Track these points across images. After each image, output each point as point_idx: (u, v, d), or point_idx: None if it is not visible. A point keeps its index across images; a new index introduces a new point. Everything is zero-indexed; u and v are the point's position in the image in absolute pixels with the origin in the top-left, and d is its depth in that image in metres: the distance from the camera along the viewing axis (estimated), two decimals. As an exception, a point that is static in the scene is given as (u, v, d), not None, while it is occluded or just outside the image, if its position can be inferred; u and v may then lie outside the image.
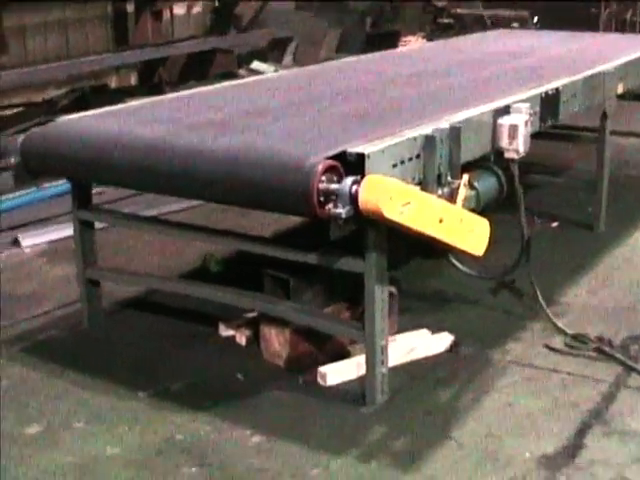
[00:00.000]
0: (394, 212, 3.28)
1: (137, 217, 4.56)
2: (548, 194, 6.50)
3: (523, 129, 4.25)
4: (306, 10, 11.80)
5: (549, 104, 4.82)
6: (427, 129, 3.81)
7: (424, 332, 4.36)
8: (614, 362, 4.12)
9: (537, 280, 4.56)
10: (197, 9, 12.02)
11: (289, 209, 3.54)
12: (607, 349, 4.21)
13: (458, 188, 3.93)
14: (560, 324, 4.45)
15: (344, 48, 11.01)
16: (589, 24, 10.99)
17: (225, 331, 4.48)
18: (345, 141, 3.56)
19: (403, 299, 4.41)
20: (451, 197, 3.90)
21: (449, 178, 3.90)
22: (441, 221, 3.54)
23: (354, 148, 3.48)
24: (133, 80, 11.09)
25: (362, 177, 3.34)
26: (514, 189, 4.42)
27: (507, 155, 4.30)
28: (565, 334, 4.38)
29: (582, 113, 5.49)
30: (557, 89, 4.91)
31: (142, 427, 3.72)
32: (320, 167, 3.31)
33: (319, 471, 3.43)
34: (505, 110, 4.36)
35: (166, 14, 11.51)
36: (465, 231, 3.73)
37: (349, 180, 3.35)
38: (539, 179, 6.40)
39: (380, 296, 3.70)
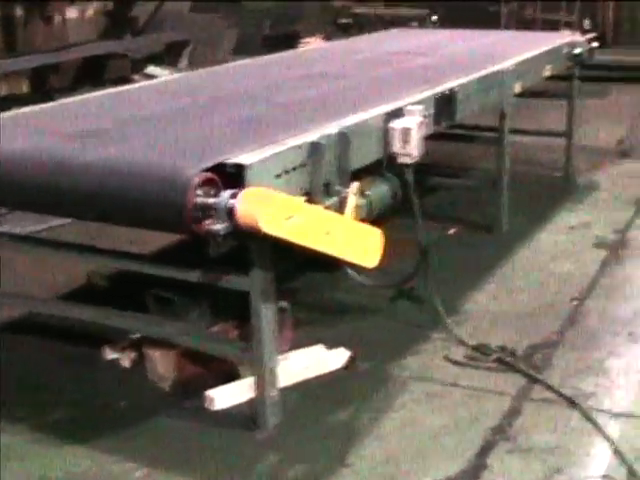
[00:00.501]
0: (274, 226, 3.06)
1: (10, 235, 4.23)
2: (448, 196, 6.37)
3: (416, 132, 4.07)
4: (203, 11, 11.51)
5: (444, 105, 4.66)
6: (314, 135, 3.59)
7: (319, 348, 4.14)
8: (517, 373, 3.94)
9: (437, 287, 4.38)
10: (90, 12, 11.65)
11: (165, 226, 3.28)
12: (509, 359, 4.05)
13: (347, 197, 3.71)
14: (460, 334, 4.27)
15: (242, 50, 10.75)
16: (490, 22, 10.93)
17: (110, 354, 4.20)
18: (225, 151, 3.32)
19: (298, 312, 4.20)
20: (340, 207, 3.68)
21: (338, 187, 3.68)
22: (328, 233, 3.32)
23: (233, 159, 3.23)
24: (25, 87, 10.66)
25: (241, 190, 3.10)
26: (409, 195, 4.22)
27: (400, 160, 4.12)
28: (466, 345, 4.20)
29: (483, 113, 5.35)
30: (452, 90, 4.74)
31: (15, 463, 3.42)
32: (195, 180, 3.07)
33: (208, 507, 3.19)
34: (398, 113, 4.16)
35: (58, 18, 11.12)
36: (355, 243, 3.51)
37: (226, 194, 3.11)
38: (439, 181, 6.26)
39: (267, 315, 3.47)
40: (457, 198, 6.32)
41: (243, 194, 3.07)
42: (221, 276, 3.49)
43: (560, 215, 6.07)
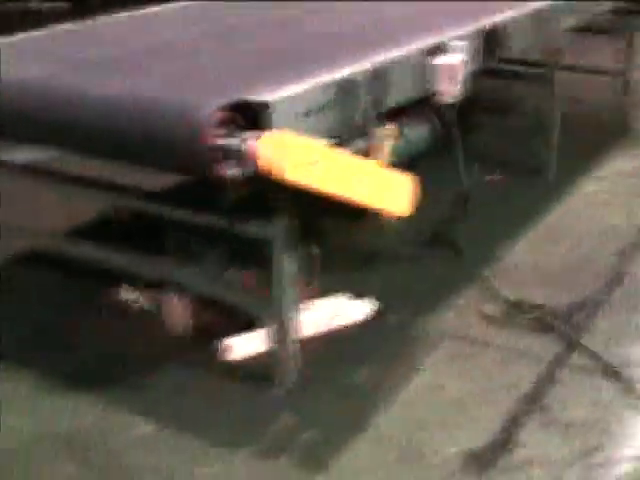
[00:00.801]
0: (298, 173, 2.78)
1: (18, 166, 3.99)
2: (493, 137, 6.01)
3: (460, 70, 3.74)
4: None
5: (491, 41, 4.31)
6: (346, 71, 3.29)
7: (344, 298, 3.89)
8: (556, 335, 3.66)
9: (477, 236, 4.10)
10: None
11: (179, 168, 3.02)
12: (549, 319, 3.76)
13: (383, 140, 3.42)
14: (497, 288, 3.99)
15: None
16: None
17: (126, 294, 3.98)
18: (248, 87, 3.02)
19: (325, 258, 3.92)
20: (375, 150, 3.40)
21: (372, 128, 3.39)
22: (356, 180, 3.04)
23: (256, 96, 2.94)
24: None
25: (264, 131, 2.82)
26: (451, 136, 3.92)
27: (443, 99, 3.80)
28: (504, 300, 3.93)
29: (533, 50, 4.99)
30: (501, 23, 4.38)
31: (19, 413, 3.23)
32: (213, 119, 2.79)
33: (217, 469, 2.97)
34: (441, 48, 3.83)
35: None
36: (385, 190, 3.24)
37: (247, 135, 2.83)
38: (484, 120, 5.89)
39: (289, 264, 3.21)
40: (503, 138, 5.95)
41: (265, 137, 2.78)
42: (241, 222, 3.22)
43: (613, 160, 5.72)
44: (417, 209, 3.29)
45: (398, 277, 4.17)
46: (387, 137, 3.42)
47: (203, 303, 3.65)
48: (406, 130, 3.63)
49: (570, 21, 5.38)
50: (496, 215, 4.78)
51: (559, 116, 5.27)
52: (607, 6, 5.86)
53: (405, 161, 3.60)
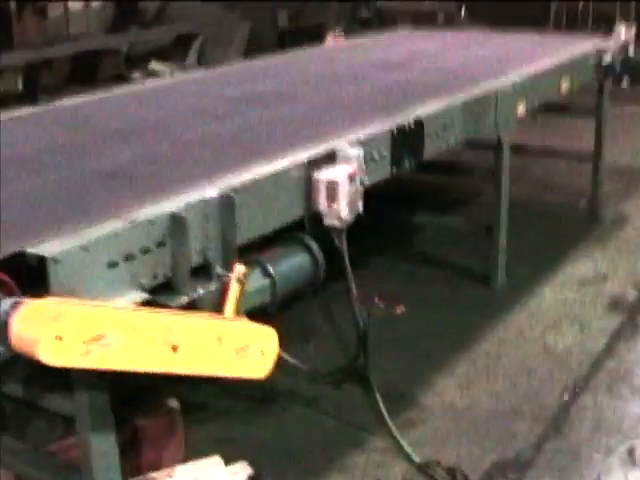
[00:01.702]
0: (66, 355, 2.10)
1: None
2: (436, 238, 5.32)
3: (346, 186, 3.07)
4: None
5: (406, 141, 3.65)
6: (181, 201, 2.63)
7: (215, 460, 3.19)
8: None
9: (390, 371, 3.42)
10: (97, 3, 10.77)
11: None
12: (460, 491, 3.05)
13: (236, 284, 2.74)
14: (405, 444, 3.28)
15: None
16: (538, 20, 9.79)
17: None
18: (30, 233, 2.36)
19: (193, 409, 3.24)
20: (221, 298, 2.72)
21: (219, 270, 2.72)
22: (175, 349, 2.35)
23: (35, 246, 2.28)
24: (20, 84, 9.87)
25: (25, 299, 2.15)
26: (343, 266, 3.25)
27: (327, 222, 3.13)
28: (410, 461, 3.21)
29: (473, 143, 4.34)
30: (418, 121, 3.73)
31: None
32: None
33: None
34: (328, 158, 3.18)
35: (59, 10, 10.27)
36: (236, 351, 2.57)
37: (6, 304, 2.15)
38: (422, 219, 5.21)
39: (102, 443, 2.52)
40: (447, 240, 5.25)
41: (22, 310, 2.11)
42: (40, 394, 2.54)
43: (574, 262, 5.02)
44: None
45: (288, 427, 3.47)
46: (240, 279, 2.73)
47: None
48: (272, 266, 2.95)
49: (521, 108, 4.73)
50: (421, 343, 4.08)
51: (506, 211, 4.58)
52: (565, 86, 5.16)
53: (274, 304, 2.94)
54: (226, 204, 2.74)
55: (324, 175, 3.11)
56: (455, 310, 4.40)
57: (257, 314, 2.70)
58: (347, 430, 3.47)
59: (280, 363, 3.45)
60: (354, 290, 3.30)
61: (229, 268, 2.73)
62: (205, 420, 3.48)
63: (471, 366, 3.93)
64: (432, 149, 3.88)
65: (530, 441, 3.38)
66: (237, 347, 2.61)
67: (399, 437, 3.35)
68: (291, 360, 3.57)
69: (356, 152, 3.22)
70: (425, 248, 5.16)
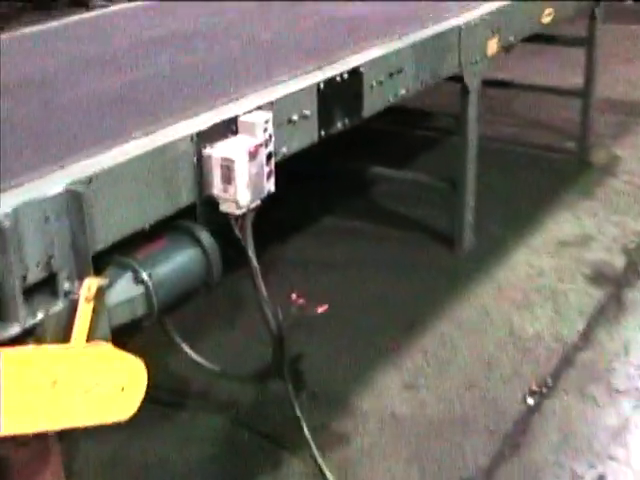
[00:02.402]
0: None
1: None
2: (396, 193, 4.68)
3: (244, 164, 2.44)
4: None
5: (337, 96, 3.01)
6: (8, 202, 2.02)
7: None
8: None
9: (323, 365, 2.88)
10: None
11: None
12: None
13: (88, 300, 2.15)
14: (327, 471, 2.71)
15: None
16: None
17: None
18: None
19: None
20: (68, 320, 2.13)
21: (66, 285, 2.12)
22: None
23: None
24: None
25: None
26: (247, 261, 2.64)
27: (223, 208, 2.51)
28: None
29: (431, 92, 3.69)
30: (356, 70, 3.07)
31: None
32: None
33: None
34: (227, 126, 2.55)
35: None
36: (76, 395, 2.02)
37: None
38: (378, 172, 4.55)
39: None
40: (408, 195, 4.61)
41: None
42: None
43: (554, 218, 4.38)
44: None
45: (194, 442, 2.91)
46: (90, 297, 2.12)
47: None
48: (146, 269, 2.34)
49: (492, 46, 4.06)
50: (364, 324, 3.49)
51: (474, 163, 3.94)
52: (549, 17, 4.46)
53: (151, 316, 2.34)
54: (73, 200, 2.11)
55: (217, 151, 2.47)
56: (409, 281, 3.80)
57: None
58: (263, 447, 2.89)
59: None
60: (263, 290, 2.68)
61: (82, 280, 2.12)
62: (95, 434, 2.89)
63: (422, 358, 3.33)
64: (375, 103, 3.22)
65: (480, 463, 2.78)
66: (85, 388, 2.04)
67: (320, 461, 2.76)
68: (201, 361, 3.03)
69: (261, 117, 2.58)
70: (381, 204, 4.52)
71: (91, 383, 2.07)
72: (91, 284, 2.13)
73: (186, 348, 3.01)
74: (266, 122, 2.58)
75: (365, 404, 3.09)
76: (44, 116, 2.66)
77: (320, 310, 2.72)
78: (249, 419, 3.03)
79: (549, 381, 3.18)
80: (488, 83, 4.16)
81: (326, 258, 3.92)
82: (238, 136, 2.56)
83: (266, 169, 2.57)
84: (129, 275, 2.35)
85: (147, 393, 2.10)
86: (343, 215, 4.40)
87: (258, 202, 2.57)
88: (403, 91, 3.41)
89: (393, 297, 3.66)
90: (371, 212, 4.43)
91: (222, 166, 2.47)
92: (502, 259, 4.01)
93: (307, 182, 4.37)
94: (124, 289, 2.33)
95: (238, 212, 2.51)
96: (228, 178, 2.47)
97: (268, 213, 2.52)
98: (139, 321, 2.40)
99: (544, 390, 3.14)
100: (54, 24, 3.94)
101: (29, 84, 2.96)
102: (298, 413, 2.80)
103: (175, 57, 3.25)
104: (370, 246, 4.08)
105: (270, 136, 2.59)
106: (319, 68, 3.04)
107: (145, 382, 2.15)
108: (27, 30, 3.82)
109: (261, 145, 2.53)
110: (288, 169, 2.64)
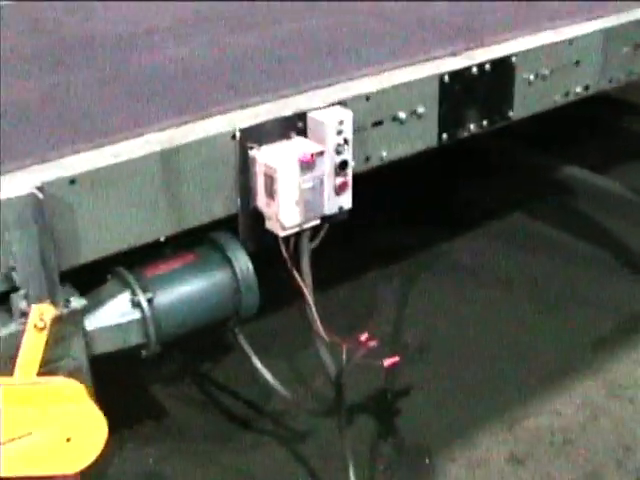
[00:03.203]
0: None
1: None
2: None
3: (290, 176, 1.96)
4: None
5: (472, 93, 2.45)
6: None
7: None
8: None
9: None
10: None
11: None
12: None
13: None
14: None
15: None
16: None
17: None
18: None
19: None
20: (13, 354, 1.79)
21: (22, 305, 1.78)
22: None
23: None
24: None
25: None
26: (298, 284, 2.16)
27: (268, 225, 2.05)
28: None
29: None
30: (505, 60, 2.49)
31: None
32: None
33: None
34: (287, 125, 2.07)
35: None
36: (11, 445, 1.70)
37: None
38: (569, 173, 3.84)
39: None
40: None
41: None
42: None
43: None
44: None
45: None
46: (39, 325, 1.75)
47: None
48: (147, 291, 1.94)
49: None
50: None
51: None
52: None
53: (149, 346, 1.95)
54: (35, 205, 1.72)
55: (262, 155, 1.99)
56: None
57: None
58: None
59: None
60: (320, 326, 2.19)
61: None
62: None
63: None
64: (531, 102, 2.60)
65: None
66: (19, 433, 1.69)
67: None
68: (279, 388, 2.53)
69: (335, 116, 2.06)
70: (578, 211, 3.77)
71: (21, 431, 1.70)
72: (44, 311, 1.73)
73: (264, 372, 2.53)
74: (341, 123, 2.06)
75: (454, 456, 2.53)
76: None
77: (387, 363, 2.19)
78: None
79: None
80: None
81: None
82: (295, 139, 2.06)
83: (333, 182, 2.06)
84: (126, 296, 1.94)
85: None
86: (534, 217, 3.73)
87: (317, 222, 2.07)
88: (579, 89, 2.74)
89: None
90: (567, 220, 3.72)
91: (265, 175, 1.99)
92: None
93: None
94: (116, 312, 1.94)
95: (282, 234, 2.02)
96: (270, 191, 1.99)
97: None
98: (137, 350, 2.00)
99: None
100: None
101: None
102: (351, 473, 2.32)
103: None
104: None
105: (345, 140, 2.06)
106: (453, 54, 2.45)
107: (104, 434, 1.76)
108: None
109: (322, 153, 2.01)
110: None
